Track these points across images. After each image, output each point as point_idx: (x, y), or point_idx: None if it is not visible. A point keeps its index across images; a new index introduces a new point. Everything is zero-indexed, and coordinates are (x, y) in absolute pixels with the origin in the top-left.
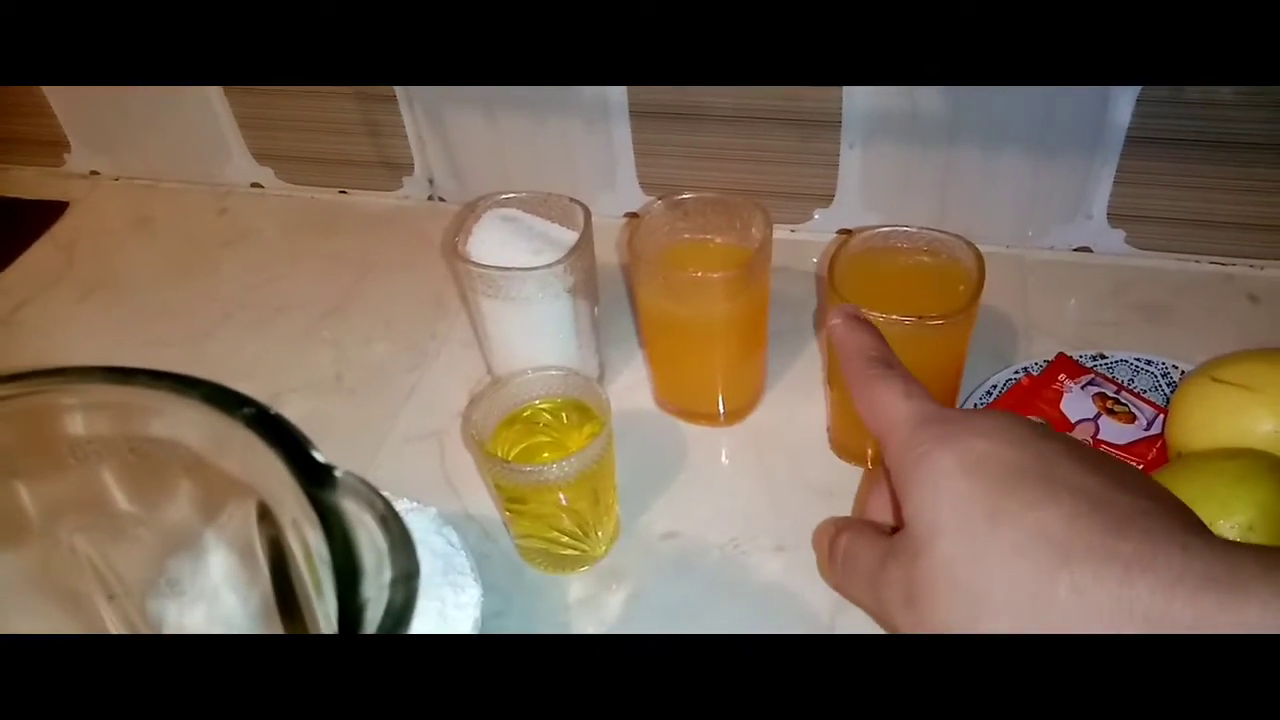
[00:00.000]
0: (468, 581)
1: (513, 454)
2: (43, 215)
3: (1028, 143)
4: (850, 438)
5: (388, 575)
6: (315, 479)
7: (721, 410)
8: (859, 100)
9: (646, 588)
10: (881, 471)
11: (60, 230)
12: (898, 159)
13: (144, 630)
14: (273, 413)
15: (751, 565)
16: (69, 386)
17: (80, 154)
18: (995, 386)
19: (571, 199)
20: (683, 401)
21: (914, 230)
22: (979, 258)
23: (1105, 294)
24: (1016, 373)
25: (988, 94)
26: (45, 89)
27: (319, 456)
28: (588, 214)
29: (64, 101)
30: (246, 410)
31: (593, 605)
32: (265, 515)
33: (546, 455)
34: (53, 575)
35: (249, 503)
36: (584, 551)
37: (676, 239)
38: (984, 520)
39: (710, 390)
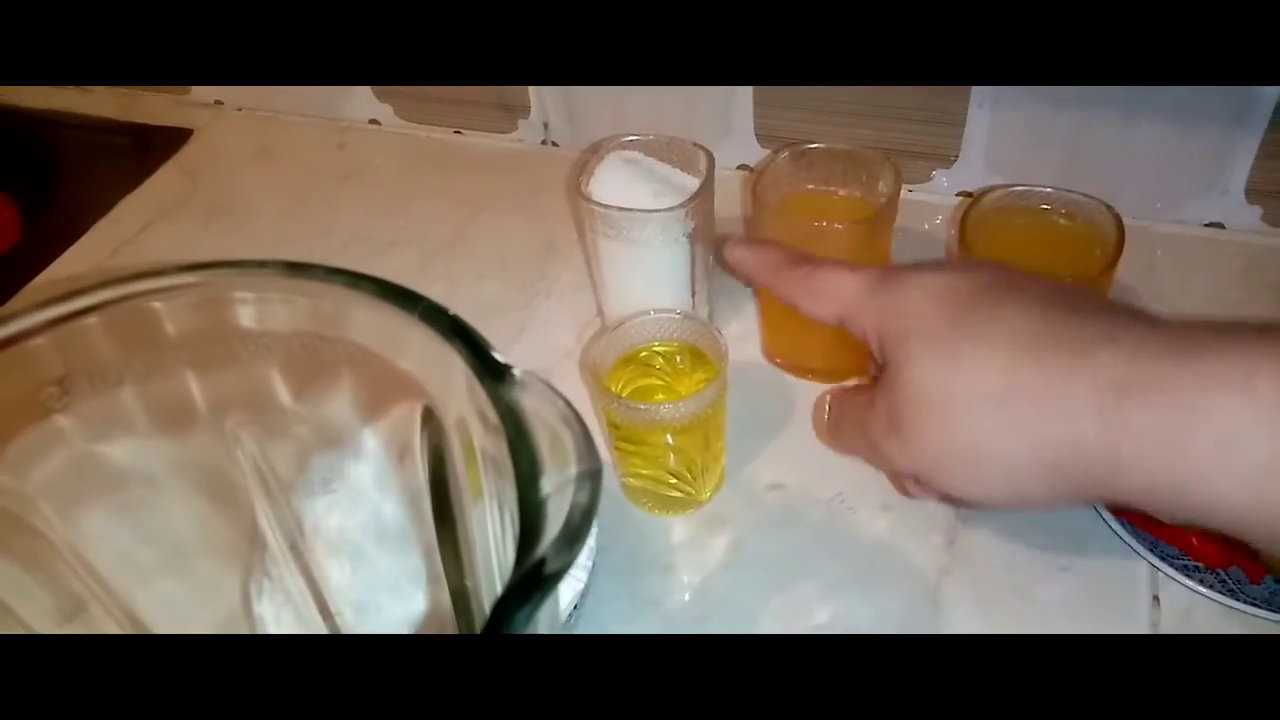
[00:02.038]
0: None
1: (625, 393)
2: (169, 141)
3: (1167, 110)
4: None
5: (573, 470)
6: (495, 375)
7: (832, 365)
8: None
9: (749, 536)
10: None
11: (185, 156)
12: (1028, 121)
13: (291, 525)
14: (450, 312)
15: (857, 522)
16: (246, 278)
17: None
18: None
19: (695, 143)
20: (793, 355)
21: (1050, 190)
22: (1118, 222)
23: (1236, 272)
24: None
25: None
26: None
27: (498, 355)
28: (711, 159)
29: None
30: (422, 306)
31: (695, 548)
32: (428, 419)
33: (660, 397)
34: (214, 467)
35: (413, 404)
36: (689, 495)
37: (800, 189)
38: (950, 331)
39: (822, 345)
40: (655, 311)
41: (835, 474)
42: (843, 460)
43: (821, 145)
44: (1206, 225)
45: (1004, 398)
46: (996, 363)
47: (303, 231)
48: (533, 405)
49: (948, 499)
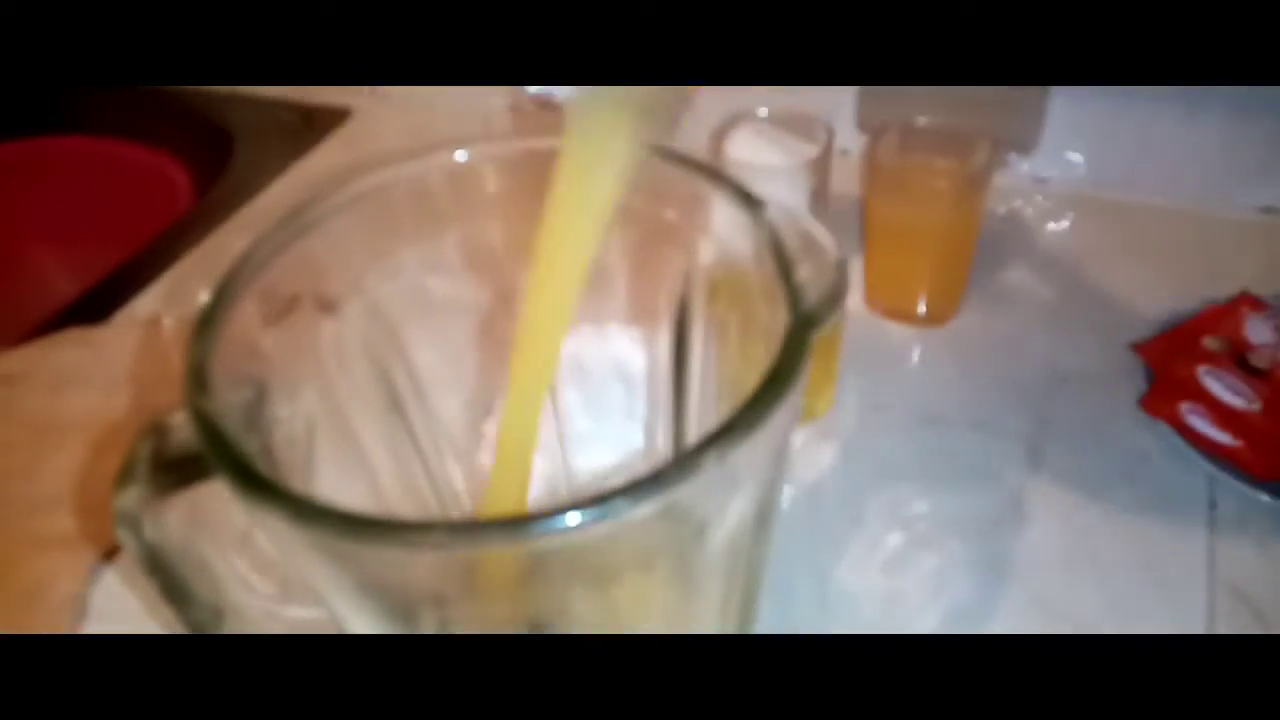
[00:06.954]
0: None
1: None
2: (330, 118)
3: (1225, 104)
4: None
5: (830, 258)
6: (751, 204)
7: (925, 311)
8: None
9: (856, 444)
10: None
11: (347, 132)
12: (1101, 112)
13: None
14: (705, 162)
15: (952, 437)
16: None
17: None
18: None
19: (815, 116)
20: (893, 301)
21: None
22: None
23: None
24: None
25: None
26: None
27: (750, 191)
28: (830, 129)
29: None
30: (685, 159)
31: (811, 453)
32: (680, 263)
33: None
34: (500, 301)
35: (672, 252)
36: (807, 407)
37: (909, 156)
38: None
39: (920, 292)
40: None
41: (931, 399)
42: (937, 389)
43: (926, 121)
44: (1261, 210)
45: None
46: None
47: None
48: (778, 222)
49: None
